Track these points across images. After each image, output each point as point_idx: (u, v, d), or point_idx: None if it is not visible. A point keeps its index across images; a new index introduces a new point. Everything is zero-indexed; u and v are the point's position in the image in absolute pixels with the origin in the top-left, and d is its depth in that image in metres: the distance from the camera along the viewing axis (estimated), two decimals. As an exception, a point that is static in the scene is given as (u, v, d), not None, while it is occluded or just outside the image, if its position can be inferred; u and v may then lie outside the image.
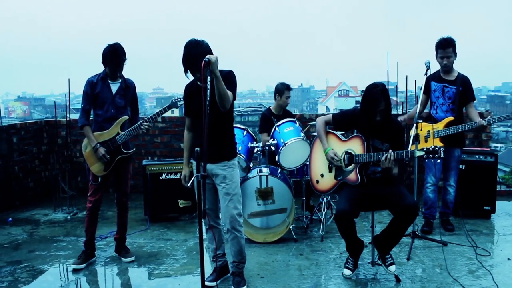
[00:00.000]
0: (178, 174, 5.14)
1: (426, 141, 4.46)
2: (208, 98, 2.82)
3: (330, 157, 3.54)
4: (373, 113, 3.36)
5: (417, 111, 4.25)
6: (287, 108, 5.33)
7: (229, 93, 3.10)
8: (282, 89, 5.09)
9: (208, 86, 2.84)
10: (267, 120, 5.05)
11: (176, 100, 3.87)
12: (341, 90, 65.99)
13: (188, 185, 3.42)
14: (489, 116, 4.52)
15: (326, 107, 59.01)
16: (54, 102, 6.25)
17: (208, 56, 2.88)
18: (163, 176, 5.20)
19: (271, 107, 5.28)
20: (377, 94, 3.33)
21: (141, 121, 3.86)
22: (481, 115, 5.68)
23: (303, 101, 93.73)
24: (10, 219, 5.41)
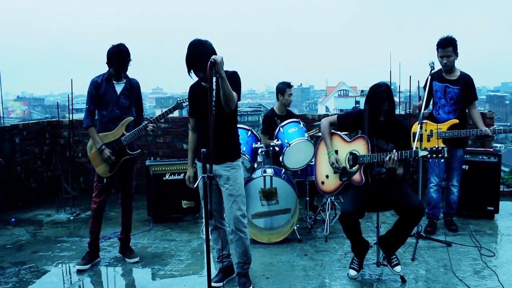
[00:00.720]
0: (182, 175, 5.13)
1: (428, 141, 4.46)
2: (214, 99, 2.82)
3: (331, 163, 3.55)
4: (377, 113, 3.36)
5: (422, 111, 4.25)
6: (289, 108, 5.34)
7: (234, 93, 3.10)
8: (283, 88, 5.11)
9: (214, 87, 2.85)
10: (270, 121, 5.06)
11: (182, 101, 3.87)
12: (340, 90, 65.96)
13: (194, 186, 3.42)
14: (495, 126, 4.54)
15: (326, 107, 59.01)
16: (57, 103, 6.25)
17: (213, 56, 2.88)
18: (167, 177, 5.19)
19: (274, 108, 5.28)
20: (380, 94, 3.34)
21: (146, 122, 3.85)
22: (484, 115, 5.69)
23: (302, 101, 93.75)
24: (13, 219, 5.40)
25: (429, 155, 3.23)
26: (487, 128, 4.31)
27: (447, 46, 4.37)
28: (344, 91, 65.71)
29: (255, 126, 6.76)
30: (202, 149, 2.68)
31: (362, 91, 48.17)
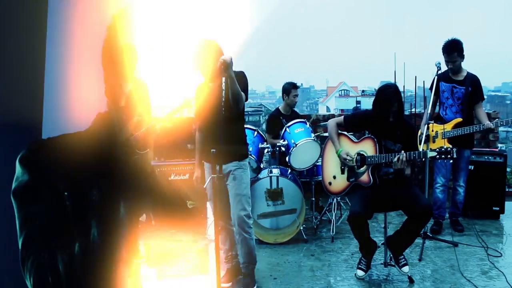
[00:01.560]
0: (187, 175, 5.13)
1: (434, 142, 4.46)
2: (223, 99, 2.82)
3: (343, 158, 3.54)
4: (386, 114, 3.36)
5: (428, 111, 4.24)
6: (294, 108, 5.35)
7: (242, 93, 3.10)
8: (289, 88, 5.12)
9: (223, 87, 2.84)
10: (275, 121, 5.06)
11: (189, 99, 3.86)
12: (341, 90, 65.84)
13: (204, 186, 3.41)
14: (497, 119, 4.52)
15: (327, 107, 58.92)
16: (62, 102, 6.23)
17: (223, 56, 2.86)
18: (172, 177, 5.19)
19: (279, 107, 5.29)
20: (390, 95, 3.34)
21: (154, 122, 3.84)
22: (489, 115, 5.68)
23: (303, 101, 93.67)
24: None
25: (437, 156, 3.22)
26: (489, 122, 4.30)
27: (452, 52, 4.35)
28: (345, 91, 65.62)
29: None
30: (212, 150, 2.68)
31: (363, 91, 48.13)
